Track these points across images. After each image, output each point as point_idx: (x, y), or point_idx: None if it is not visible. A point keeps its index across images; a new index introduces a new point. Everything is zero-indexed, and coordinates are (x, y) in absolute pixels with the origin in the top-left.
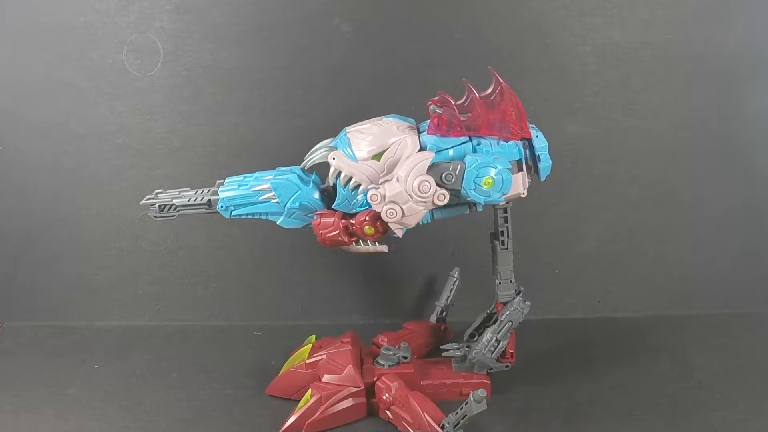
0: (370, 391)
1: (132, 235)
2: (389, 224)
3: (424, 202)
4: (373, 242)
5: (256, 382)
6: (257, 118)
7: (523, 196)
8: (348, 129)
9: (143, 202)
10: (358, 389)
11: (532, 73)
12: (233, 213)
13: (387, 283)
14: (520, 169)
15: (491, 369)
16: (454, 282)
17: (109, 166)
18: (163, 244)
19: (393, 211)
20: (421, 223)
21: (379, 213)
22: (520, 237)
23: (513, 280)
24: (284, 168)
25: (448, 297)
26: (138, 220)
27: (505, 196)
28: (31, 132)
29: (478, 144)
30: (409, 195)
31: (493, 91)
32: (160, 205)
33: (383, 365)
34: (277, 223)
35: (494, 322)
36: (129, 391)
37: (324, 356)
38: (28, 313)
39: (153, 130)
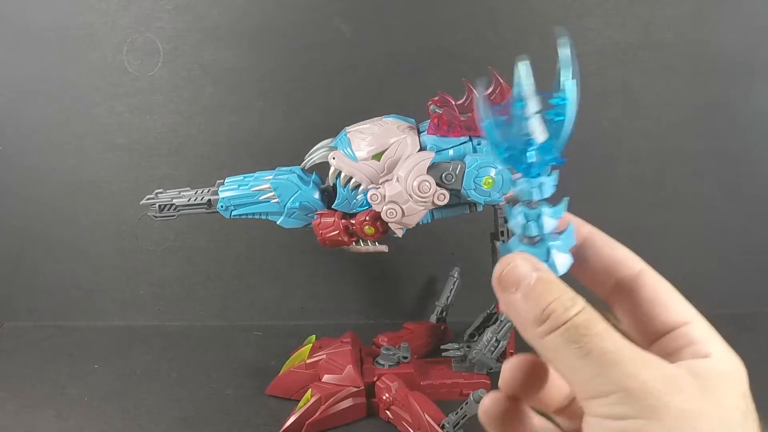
0: (370, 391)
1: (132, 235)
2: (389, 224)
3: (424, 202)
4: (373, 242)
5: (256, 382)
6: (257, 118)
7: None
8: (348, 129)
9: (143, 202)
10: (358, 389)
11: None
12: (233, 213)
13: (387, 283)
14: None
15: (491, 369)
16: (454, 282)
17: (109, 166)
18: (163, 244)
19: (393, 211)
20: (421, 223)
21: (379, 213)
22: None
23: None
24: (284, 168)
25: (448, 297)
26: (138, 220)
27: (505, 196)
28: (31, 132)
29: (478, 144)
30: (409, 195)
31: (494, 91)
32: (160, 205)
33: (383, 365)
34: (277, 223)
35: (494, 322)
36: (129, 391)
37: (324, 356)
38: (28, 313)
39: (153, 130)
